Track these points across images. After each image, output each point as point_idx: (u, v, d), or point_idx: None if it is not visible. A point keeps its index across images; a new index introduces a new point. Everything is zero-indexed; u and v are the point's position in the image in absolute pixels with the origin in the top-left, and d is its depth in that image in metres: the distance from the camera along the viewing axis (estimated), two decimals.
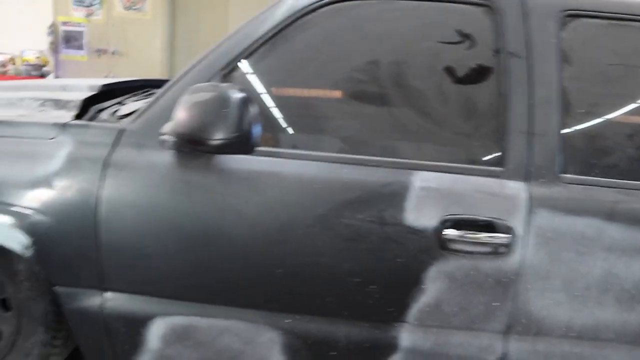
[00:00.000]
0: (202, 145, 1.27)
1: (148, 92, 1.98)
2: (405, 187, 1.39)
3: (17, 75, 5.60)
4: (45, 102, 1.66)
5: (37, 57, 5.15)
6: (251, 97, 1.25)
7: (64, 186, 1.43)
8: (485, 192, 1.38)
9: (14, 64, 5.64)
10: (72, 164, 1.44)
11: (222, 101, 1.23)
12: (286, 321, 1.45)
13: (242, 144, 1.25)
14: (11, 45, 5.58)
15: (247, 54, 1.44)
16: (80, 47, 4.81)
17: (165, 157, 1.42)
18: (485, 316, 1.42)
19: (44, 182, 1.44)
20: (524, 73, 1.42)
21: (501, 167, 1.41)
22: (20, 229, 1.43)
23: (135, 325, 1.49)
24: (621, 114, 1.53)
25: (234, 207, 1.40)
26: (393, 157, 1.41)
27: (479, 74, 1.46)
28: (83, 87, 1.78)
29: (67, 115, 1.57)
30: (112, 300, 1.48)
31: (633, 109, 1.52)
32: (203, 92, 1.26)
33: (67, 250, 1.45)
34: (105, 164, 1.42)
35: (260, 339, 1.47)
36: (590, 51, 1.48)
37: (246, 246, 1.41)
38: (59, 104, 1.65)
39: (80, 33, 4.83)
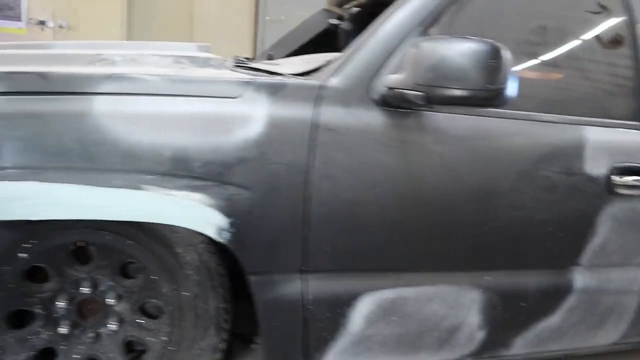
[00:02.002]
0: (456, 98, 1.19)
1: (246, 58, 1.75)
2: (584, 141, 1.49)
3: None
4: (178, 58, 1.35)
5: None
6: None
7: (269, 153, 1.21)
8: None
9: None
10: (276, 127, 1.22)
11: (489, 52, 1.18)
12: (486, 278, 1.45)
13: (502, 96, 1.21)
14: None
15: (441, 8, 1.39)
16: (17, 18, 3.79)
17: (376, 116, 1.30)
18: (636, 251, 1.60)
19: (244, 148, 1.19)
20: None
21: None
22: (217, 208, 1.17)
23: (340, 307, 1.33)
24: None
25: (449, 166, 1.34)
26: (566, 114, 1.51)
27: (616, 41, 1.63)
28: (186, 47, 1.50)
29: (223, 73, 1.32)
30: (315, 283, 1.30)
31: None
32: (458, 44, 1.18)
33: (272, 229, 1.23)
34: (313, 126, 1.25)
35: (463, 300, 1.43)
36: None
37: (460, 206, 1.36)
38: (196, 61, 1.36)
39: (17, 0, 3.81)
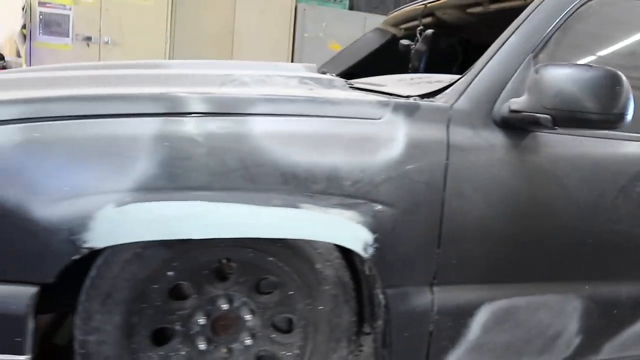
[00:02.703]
0: (584, 122, 1.28)
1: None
2: None
3: None
4: (302, 79, 1.40)
5: None
6: None
7: (410, 171, 1.27)
8: None
9: None
10: (416, 147, 1.28)
11: (614, 79, 1.27)
12: (586, 288, 1.54)
13: (624, 119, 1.30)
14: None
15: (549, 35, 1.47)
16: (64, 34, 3.69)
17: (498, 136, 1.37)
18: None
19: (388, 168, 1.25)
20: None
21: None
22: (365, 225, 1.22)
23: (463, 317, 1.39)
24: None
25: (560, 184, 1.42)
26: None
27: None
28: (295, 67, 1.55)
29: (358, 95, 1.37)
30: (442, 295, 1.36)
31: None
32: (579, 70, 1.27)
33: (410, 244, 1.28)
34: (447, 146, 1.31)
35: (567, 308, 1.51)
36: None
37: (569, 221, 1.44)
38: (321, 82, 1.41)
39: (65, 17, 3.71)
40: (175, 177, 1.13)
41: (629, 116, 1.31)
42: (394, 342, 1.36)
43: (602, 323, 1.59)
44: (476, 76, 1.42)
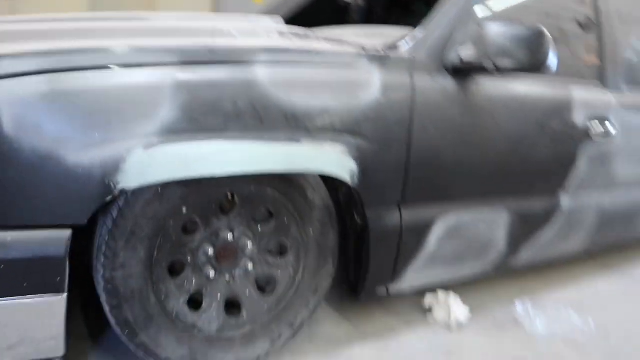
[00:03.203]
0: (519, 68, 1.56)
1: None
2: (572, 98, 1.98)
3: None
4: (282, 33, 1.53)
5: None
6: None
7: (384, 111, 1.49)
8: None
9: None
10: (387, 90, 1.50)
11: (538, 34, 1.56)
12: (512, 203, 1.89)
13: (545, 66, 1.60)
14: None
15: None
16: None
17: (449, 81, 1.64)
18: (596, 179, 2.16)
19: (368, 109, 1.46)
20: None
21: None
22: (352, 157, 1.43)
23: (423, 231, 1.68)
24: None
25: (494, 120, 1.73)
26: (559, 77, 1.97)
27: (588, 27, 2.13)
28: (263, 18, 1.67)
29: (329, 45, 1.53)
30: (407, 214, 1.63)
31: None
32: (514, 27, 1.55)
33: (384, 172, 1.52)
34: (412, 89, 1.54)
35: (498, 220, 1.87)
36: None
37: (501, 149, 1.78)
38: (298, 34, 1.56)
39: None
40: (195, 120, 1.25)
41: (553, 63, 1.63)
42: (371, 258, 1.62)
43: (521, 231, 1.99)
44: (428, 29, 1.66)
